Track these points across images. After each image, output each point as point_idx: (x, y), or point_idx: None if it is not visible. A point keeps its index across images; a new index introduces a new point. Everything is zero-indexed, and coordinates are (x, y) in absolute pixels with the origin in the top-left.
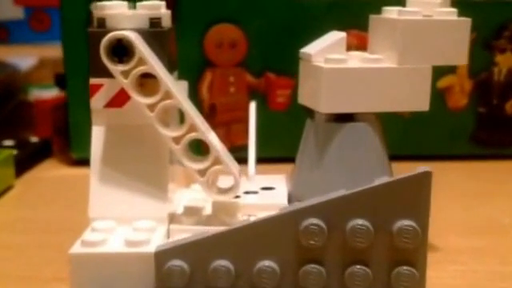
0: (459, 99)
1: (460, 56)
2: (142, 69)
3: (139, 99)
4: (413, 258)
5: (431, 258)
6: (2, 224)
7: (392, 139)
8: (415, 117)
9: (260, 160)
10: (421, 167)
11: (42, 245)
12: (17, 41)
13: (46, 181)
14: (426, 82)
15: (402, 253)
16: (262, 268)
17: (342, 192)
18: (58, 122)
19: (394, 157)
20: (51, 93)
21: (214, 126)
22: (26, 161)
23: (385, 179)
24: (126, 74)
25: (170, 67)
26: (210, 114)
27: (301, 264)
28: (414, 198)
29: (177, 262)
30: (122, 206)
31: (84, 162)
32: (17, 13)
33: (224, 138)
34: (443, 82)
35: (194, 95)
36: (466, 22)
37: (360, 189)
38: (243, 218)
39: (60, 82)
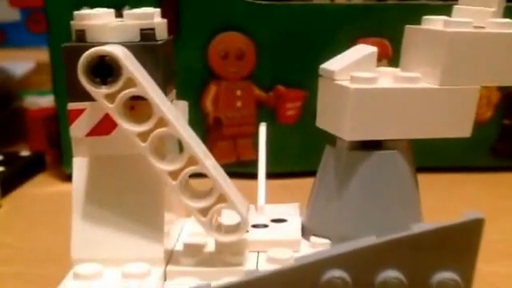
0: (484, 112)
1: None
2: (130, 91)
3: (128, 127)
4: None
5: None
6: None
7: None
8: None
9: (269, 175)
10: (470, 213)
11: (24, 278)
12: (13, 44)
13: (35, 199)
14: (471, 106)
15: None
16: None
17: (371, 240)
18: (52, 132)
19: None
20: (48, 99)
21: (219, 139)
22: (14, 178)
23: (424, 226)
24: (111, 97)
25: (167, 86)
26: (215, 128)
27: None
28: (458, 248)
29: None
30: (109, 247)
31: None
32: (13, 15)
33: (230, 153)
34: None
35: (197, 108)
36: None
37: (393, 237)
38: (250, 256)
39: None
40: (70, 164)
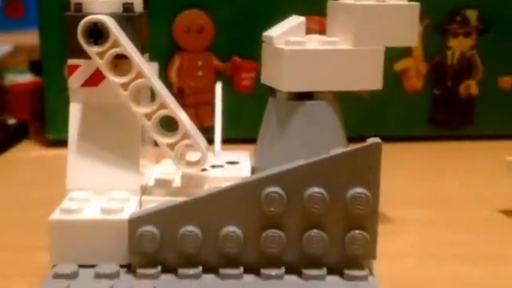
0: (415, 82)
1: (411, 38)
2: (116, 50)
3: (113, 79)
4: (365, 223)
5: (384, 228)
6: None
7: (351, 121)
8: (373, 99)
9: (226, 141)
10: (371, 138)
11: (21, 218)
12: None
13: (23, 161)
14: (379, 63)
15: (355, 218)
16: (227, 233)
17: (300, 162)
18: (33, 106)
19: (353, 139)
20: (25, 78)
21: (183, 108)
22: (2, 142)
23: (339, 150)
24: (101, 55)
25: (142, 49)
26: (178, 97)
27: (262, 229)
28: (365, 168)
29: (148, 228)
30: (97, 178)
31: (59, 142)
32: None
33: (193, 120)
34: (399, 65)
35: (163, 79)
36: (415, 6)
37: (316, 159)
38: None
39: (35, 67)
40: (53, 130)
